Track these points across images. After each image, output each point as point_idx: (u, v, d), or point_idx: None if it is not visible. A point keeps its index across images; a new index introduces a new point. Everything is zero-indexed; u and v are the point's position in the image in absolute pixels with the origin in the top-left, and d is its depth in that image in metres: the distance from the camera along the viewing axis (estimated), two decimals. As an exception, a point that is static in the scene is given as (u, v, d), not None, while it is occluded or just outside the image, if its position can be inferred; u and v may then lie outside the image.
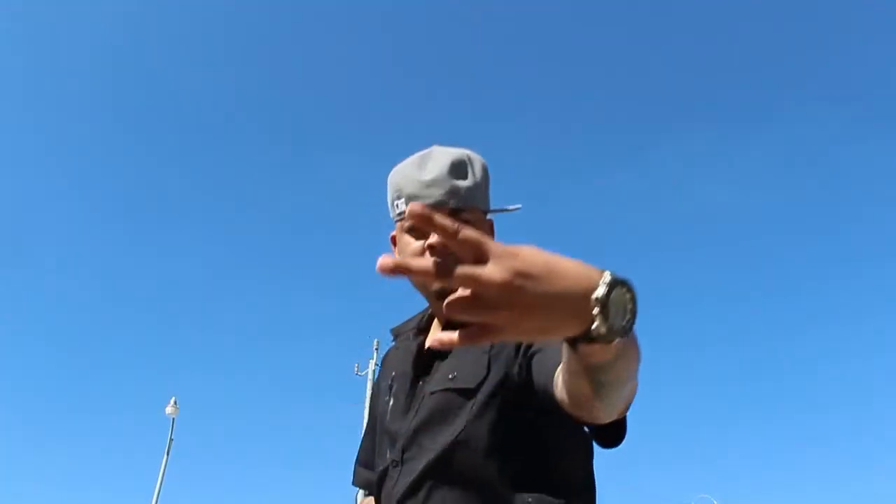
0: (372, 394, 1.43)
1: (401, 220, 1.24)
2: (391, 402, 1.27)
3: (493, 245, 0.59)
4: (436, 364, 1.23)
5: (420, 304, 1.37)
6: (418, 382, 1.24)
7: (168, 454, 16.55)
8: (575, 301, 0.61)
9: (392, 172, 1.27)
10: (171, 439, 16.76)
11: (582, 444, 1.17)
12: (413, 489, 1.14)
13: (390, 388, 1.30)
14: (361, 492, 1.43)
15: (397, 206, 1.23)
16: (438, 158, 1.21)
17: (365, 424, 1.47)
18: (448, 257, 0.56)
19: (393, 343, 1.42)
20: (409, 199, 1.20)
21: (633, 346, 0.72)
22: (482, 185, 1.24)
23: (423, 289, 1.26)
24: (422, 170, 1.21)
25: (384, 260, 0.57)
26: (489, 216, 1.27)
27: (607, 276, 0.62)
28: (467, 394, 1.15)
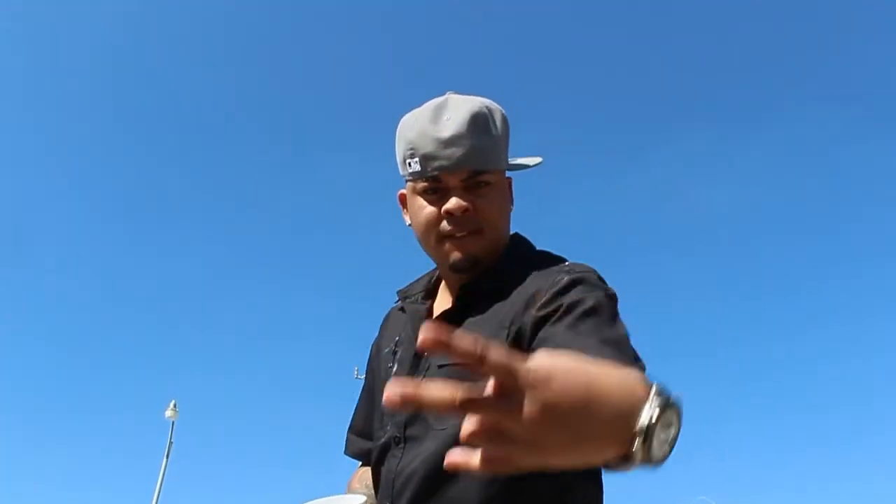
0: (370, 356, 1.33)
1: (413, 180, 1.12)
2: (395, 369, 1.18)
3: (524, 370, 0.51)
4: None
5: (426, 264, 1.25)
6: (424, 351, 1.12)
7: (167, 457, 16.56)
8: (615, 431, 0.53)
9: (403, 124, 1.16)
10: (171, 442, 16.76)
11: None
12: (421, 474, 1.03)
13: (394, 353, 1.21)
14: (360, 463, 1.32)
15: (410, 164, 1.11)
16: (456, 111, 1.10)
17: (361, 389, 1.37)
18: (471, 380, 0.50)
19: (396, 304, 1.32)
20: (425, 159, 1.09)
21: None
22: (503, 140, 1.14)
23: (432, 250, 1.15)
24: (438, 124, 1.09)
25: (391, 393, 0.49)
26: (508, 173, 1.18)
27: (654, 400, 0.54)
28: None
